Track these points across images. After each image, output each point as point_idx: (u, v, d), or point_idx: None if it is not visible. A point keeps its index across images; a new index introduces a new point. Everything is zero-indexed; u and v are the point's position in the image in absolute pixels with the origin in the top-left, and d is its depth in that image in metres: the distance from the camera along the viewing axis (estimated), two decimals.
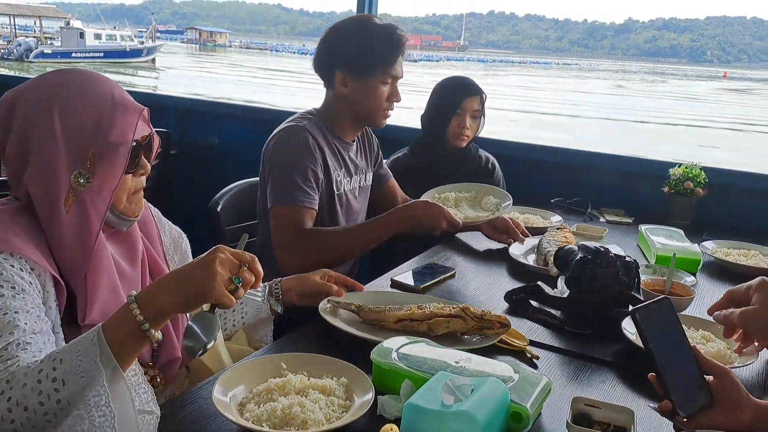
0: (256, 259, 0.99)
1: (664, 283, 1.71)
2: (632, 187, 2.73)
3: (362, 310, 1.44)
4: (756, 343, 1.38)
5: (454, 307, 1.41)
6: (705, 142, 17.76)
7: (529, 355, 1.36)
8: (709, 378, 1.13)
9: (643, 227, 2.22)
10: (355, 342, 1.33)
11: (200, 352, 0.97)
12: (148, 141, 1.15)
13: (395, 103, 2.00)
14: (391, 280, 1.75)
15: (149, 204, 1.32)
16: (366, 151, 2.14)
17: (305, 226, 1.82)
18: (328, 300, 1.49)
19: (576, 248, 1.66)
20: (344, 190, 2.01)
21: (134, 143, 1.10)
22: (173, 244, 1.36)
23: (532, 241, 2.07)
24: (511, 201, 2.12)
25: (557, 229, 2.07)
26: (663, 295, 1.14)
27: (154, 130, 1.18)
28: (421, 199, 2.03)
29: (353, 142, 2.06)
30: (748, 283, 1.10)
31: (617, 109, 25.21)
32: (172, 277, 0.97)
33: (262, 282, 1.04)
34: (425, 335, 1.34)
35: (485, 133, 2.66)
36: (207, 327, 0.98)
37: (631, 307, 1.59)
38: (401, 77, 1.97)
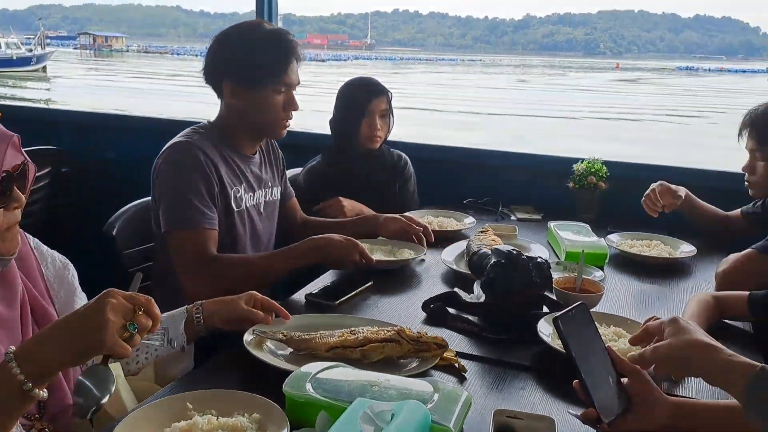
0: (152, 301, 0.91)
1: (575, 280, 1.73)
2: (540, 184, 2.79)
3: (291, 339, 1.35)
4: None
5: (388, 331, 1.34)
6: (608, 133, 18.49)
7: (457, 366, 1.34)
8: (624, 380, 1.15)
9: (551, 224, 2.26)
10: (283, 373, 1.21)
11: (93, 410, 0.88)
12: (20, 170, 1.04)
13: (297, 111, 1.93)
14: (306, 296, 1.69)
15: (26, 234, 1.20)
16: (271, 163, 2.06)
17: (210, 251, 1.73)
18: (253, 330, 1.39)
19: (489, 252, 1.66)
20: (246, 206, 1.91)
21: (3, 174, 0.99)
22: (57, 277, 1.23)
23: (460, 247, 2.05)
24: (426, 251, 2.04)
25: (481, 231, 2.06)
26: (580, 301, 1.15)
27: (44, 147, 1.07)
28: None
29: (254, 154, 1.98)
30: (662, 319, 1.15)
31: (525, 105, 25.98)
32: (57, 327, 0.87)
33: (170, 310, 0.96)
34: (359, 363, 1.28)
35: (395, 135, 2.64)
36: (100, 381, 0.89)
37: (546, 309, 1.62)
38: (297, 84, 1.90)
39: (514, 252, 1.57)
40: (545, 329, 1.47)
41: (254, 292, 1.49)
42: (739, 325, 1.66)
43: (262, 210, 1.98)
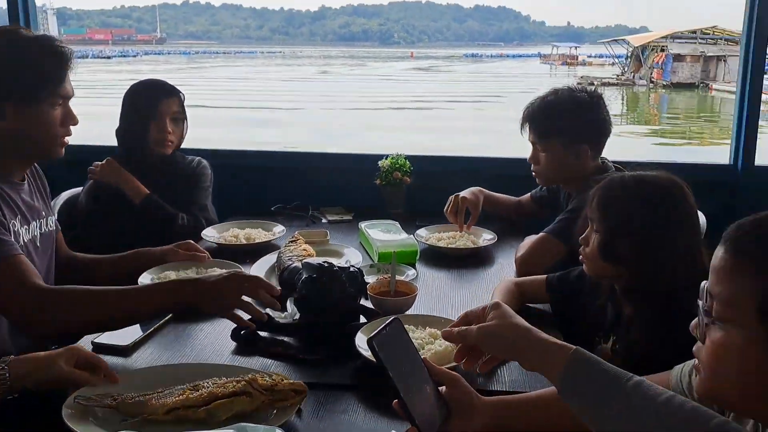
0: None
1: (389, 283, 1.72)
2: (349, 183, 2.76)
3: (122, 403, 1.15)
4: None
5: (238, 382, 1.18)
6: (415, 123, 19.01)
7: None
8: (442, 388, 1.13)
9: (362, 224, 2.24)
10: None
11: None
12: None
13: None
14: (92, 342, 1.46)
15: None
16: (40, 189, 1.78)
17: (33, 279, 1.43)
18: (75, 397, 1.16)
19: (300, 267, 1.58)
20: (24, 241, 1.63)
21: None
22: None
23: (270, 260, 1.93)
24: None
25: (291, 241, 1.97)
26: (393, 316, 1.11)
27: None
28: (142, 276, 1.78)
29: (23, 181, 1.70)
30: (484, 305, 1.15)
31: (331, 96, 26.06)
32: None
33: None
34: (205, 423, 1.11)
35: (191, 141, 2.46)
36: None
37: (363, 319, 1.58)
38: (72, 95, 1.66)
39: (326, 264, 1.51)
40: (363, 343, 1.43)
41: (78, 346, 1.28)
42: (541, 307, 1.75)
43: (38, 244, 1.70)
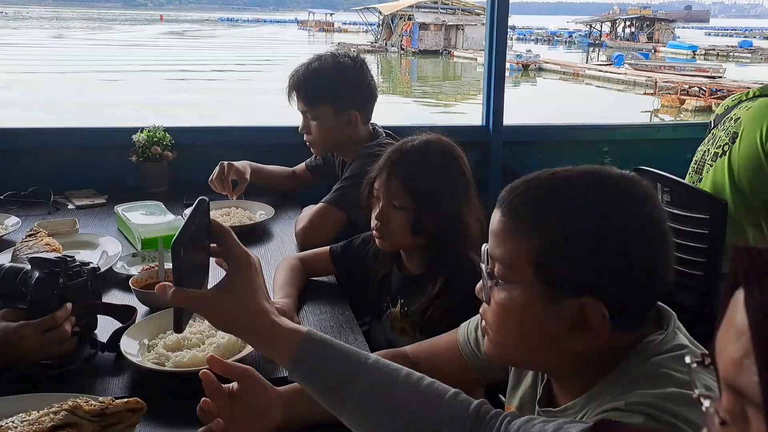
0: None
1: (157, 273, 1.52)
2: (99, 162, 2.43)
3: None
4: None
5: (55, 414, 0.94)
6: (177, 96, 17.78)
7: None
8: (235, 385, 1.02)
9: (119, 208, 1.97)
10: None
11: None
12: None
13: None
14: None
15: None
16: None
17: None
18: None
19: (28, 266, 1.28)
20: None
21: None
22: None
23: (4, 259, 1.58)
24: None
25: (29, 235, 1.65)
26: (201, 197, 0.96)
27: None
28: None
29: None
30: None
31: (69, 65, 23.26)
32: None
33: None
34: None
35: None
36: None
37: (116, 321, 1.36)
38: None
39: (61, 258, 1.24)
40: (131, 347, 1.24)
41: None
42: (325, 279, 1.69)
43: None
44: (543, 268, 0.80)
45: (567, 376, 0.87)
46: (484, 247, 0.89)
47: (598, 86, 26.27)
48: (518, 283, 0.82)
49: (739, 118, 2.27)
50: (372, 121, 2.11)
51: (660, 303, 0.87)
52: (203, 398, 0.99)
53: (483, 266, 0.88)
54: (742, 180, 2.21)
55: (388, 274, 1.59)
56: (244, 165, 2.20)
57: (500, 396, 1.11)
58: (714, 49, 44.30)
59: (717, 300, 2.20)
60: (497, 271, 0.84)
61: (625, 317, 0.80)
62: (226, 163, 2.15)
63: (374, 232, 1.50)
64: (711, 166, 2.33)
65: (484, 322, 0.90)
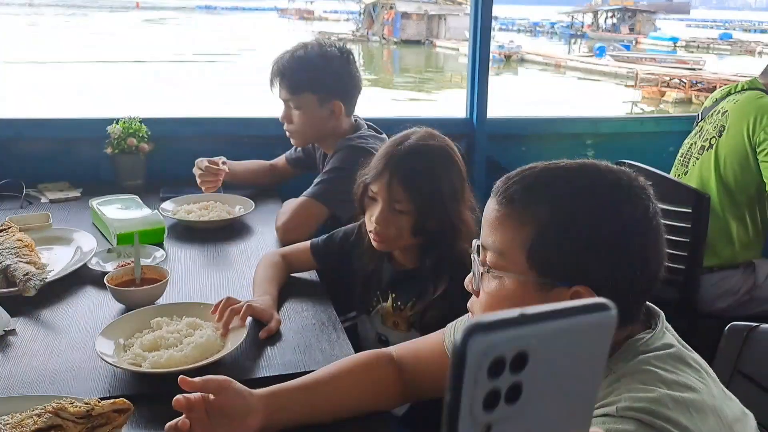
0: None
1: (133, 270, 1.48)
2: (73, 154, 2.37)
3: None
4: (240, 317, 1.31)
5: (39, 416, 0.91)
6: (157, 87, 17.40)
7: None
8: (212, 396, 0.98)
9: (94, 202, 1.92)
10: None
11: None
12: None
13: None
14: None
15: None
16: None
17: None
18: None
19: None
20: None
21: None
22: None
23: None
24: None
25: (0, 231, 1.60)
26: None
27: None
28: None
29: None
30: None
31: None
32: None
33: None
34: None
35: None
36: None
37: None
38: None
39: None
40: (106, 348, 1.20)
41: None
42: (307, 276, 1.66)
43: None
44: (536, 255, 0.80)
45: None
46: (475, 242, 0.88)
47: (581, 77, 26.39)
48: (510, 271, 0.82)
49: (727, 111, 2.26)
50: (354, 114, 2.07)
51: (648, 302, 0.85)
52: (175, 397, 0.96)
53: (474, 257, 0.87)
54: (728, 174, 2.21)
55: (378, 268, 1.56)
56: (217, 160, 2.15)
57: None
58: (694, 41, 44.69)
59: (699, 294, 2.21)
60: (489, 259, 0.84)
61: (617, 311, 0.78)
62: (205, 159, 2.10)
63: (372, 235, 1.46)
64: (697, 159, 2.32)
65: (470, 315, 0.88)
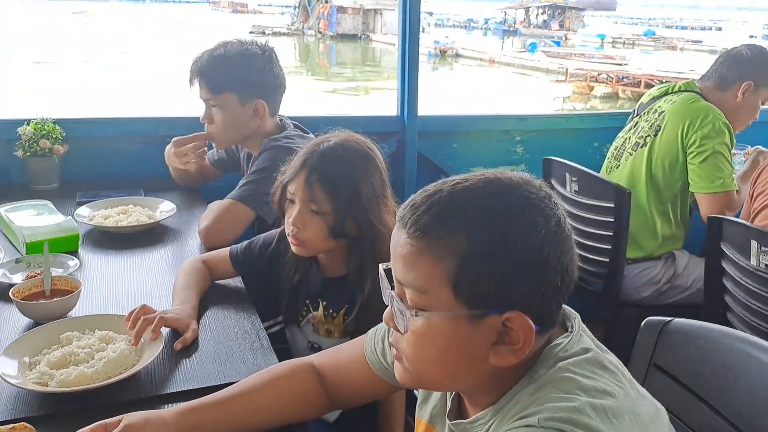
0: None
1: (43, 283, 1.40)
2: None
3: None
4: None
5: None
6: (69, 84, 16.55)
7: None
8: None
9: (2, 209, 1.82)
10: None
11: None
12: None
13: None
14: None
15: None
16: None
17: None
18: None
19: None
20: None
21: None
22: None
23: None
24: None
25: None
26: None
27: None
28: None
29: None
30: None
31: None
32: None
33: None
34: None
35: None
36: None
37: None
38: None
39: None
40: (9, 368, 1.12)
41: None
42: (230, 282, 1.61)
43: None
44: (462, 288, 0.75)
45: (479, 389, 0.85)
46: (383, 267, 0.84)
47: (514, 72, 26.91)
48: (436, 309, 0.77)
49: (663, 111, 2.34)
50: (280, 113, 2.03)
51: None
52: None
53: (389, 292, 0.82)
54: (657, 172, 2.29)
55: (305, 277, 1.52)
56: None
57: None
58: (621, 38, 46.23)
59: (621, 285, 2.28)
60: (410, 298, 0.79)
61: (543, 323, 0.79)
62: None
63: (290, 238, 1.42)
64: (630, 154, 2.39)
65: (395, 351, 0.85)
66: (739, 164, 2.52)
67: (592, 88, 21.03)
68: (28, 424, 0.96)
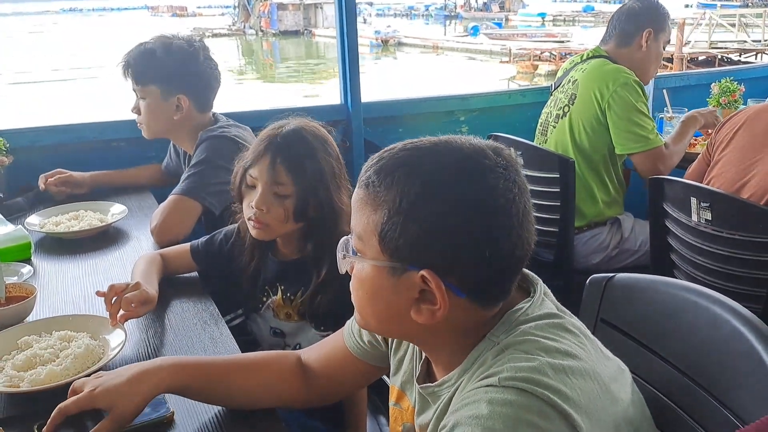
0: None
1: None
2: None
3: None
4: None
5: None
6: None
7: None
8: None
9: None
10: None
11: None
12: None
13: None
14: None
15: None
16: None
17: None
18: None
19: None
20: None
21: None
22: None
23: None
24: None
25: None
26: None
27: None
28: None
29: None
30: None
31: None
32: None
33: None
34: None
35: None
36: None
37: None
38: None
39: None
40: None
41: None
42: (185, 276, 1.62)
43: None
44: (385, 239, 0.80)
45: (439, 351, 0.88)
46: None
47: (459, 56, 27.13)
48: (367, 255, 0.83)
49: (576, 80, 2.42)
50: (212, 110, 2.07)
51: (524, 269, 0.87)
52: None
53: (344, 239, 0.89)
54: (582, 138, 2.37)
55: (262, 263, 1.55)
56: (83, 175, 2.15)
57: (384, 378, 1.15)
58: (561, 15, 47.05)
59: (572, 253, 2.36)
60: (353, 243, 0.85)
61: (479, 292, 0.81)
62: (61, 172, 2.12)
63: (252, 222, 1.44)
64: (554, 127, 2.47)
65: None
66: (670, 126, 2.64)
67: (536, 67, 21.40)
68: None
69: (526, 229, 0.81)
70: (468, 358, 0.83)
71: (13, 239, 1.69)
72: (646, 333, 1.06)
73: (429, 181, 0.79)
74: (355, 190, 0.85)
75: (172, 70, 1.92)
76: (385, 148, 0.85)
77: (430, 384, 0.89)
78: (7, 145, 2.15)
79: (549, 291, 0.89)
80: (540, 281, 0.88)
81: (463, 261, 0.79)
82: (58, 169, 2.13)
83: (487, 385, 0.74)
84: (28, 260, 1.67)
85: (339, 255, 0.88)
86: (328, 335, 1.46)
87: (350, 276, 0.89)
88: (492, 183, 0.79)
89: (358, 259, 0.85)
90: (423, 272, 0.79)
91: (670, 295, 1.05)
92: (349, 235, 0.87)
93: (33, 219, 1.90)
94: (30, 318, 1.37)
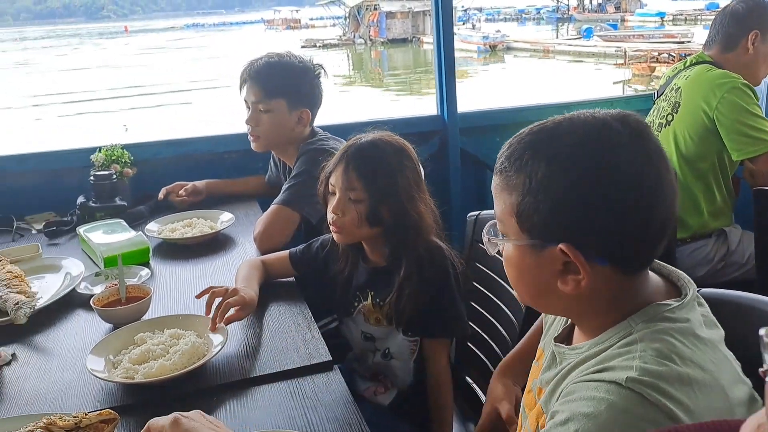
0: None
1: (119, 291, 1.56)
2: (60, 183, 2.45)
3: None
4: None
5: (32, 430, 1.02)
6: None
7: None
8: None
9: (80, 229, 2.01)
10: None
11: None
12: None
13: None
14: None
15: None
16: None
17: None
18: None
19: None
20: None
21: None
22: None
23: None
24: None
25: None
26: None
27: None
28: None
29: None
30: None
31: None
32: None
33: None
34: None
35: None
36: None
37: None
38: None
39: None
40: (97, 365, 1.28)
41: None
42: (283, 282, 1.73)
43: None
44: (522, 219, 0.86)
45: (583, 319, 0.92)
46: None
47: (571, 60, 26.37)
48: (509, 236, 0.89)
49: (680, 87, 2.33)
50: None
51: (680, 272, 0.90)
52: None
53: (490, 223, 0.95)
54: (688, 147, 2.28)
55: (354, 270, 1.63)
56: (196, 184, 2.33)
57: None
58: (681, 14, 44.59)
59: (676, 266, 2.27)
60: (498, 226, 0.92)
61: (621, 259, 0.84)
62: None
63: (331, 226, 1.54)
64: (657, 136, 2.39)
65: None
66: None
67: (653, 69, 20.41)
68: (112, 411, 1.09)
69: (662, 194, 0.83)
70: (603, 334, 0.86)
71: (135, 244, 1.87)
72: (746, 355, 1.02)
73: (553, 159, 0.84)
74: (493, 177, 0.92)
75: (299, 85, 2.05)
76: (516, 134, 0.90)
77: (563, 345, 0.94)
78: (132, 158, 2.38)
79: (704, 302, 0.89)
80: (694, 286, 0.88)
81: (597, 231, 0.82)
82: (177, 182, 2.32)
83: (611, 381, 0.76)
84: (146, 264, 1.85)
85: (485, 239, 0.95)
86: (415, 341, 1.54)
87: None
88: (615, 152, 0.82)
89: (502, 241, 0.92)
90: (561, 246, 0.83)
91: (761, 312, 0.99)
92: (494, 220, 0.93)
93: (152, 226, 2.09)
94: (146, 316, 1.52)
